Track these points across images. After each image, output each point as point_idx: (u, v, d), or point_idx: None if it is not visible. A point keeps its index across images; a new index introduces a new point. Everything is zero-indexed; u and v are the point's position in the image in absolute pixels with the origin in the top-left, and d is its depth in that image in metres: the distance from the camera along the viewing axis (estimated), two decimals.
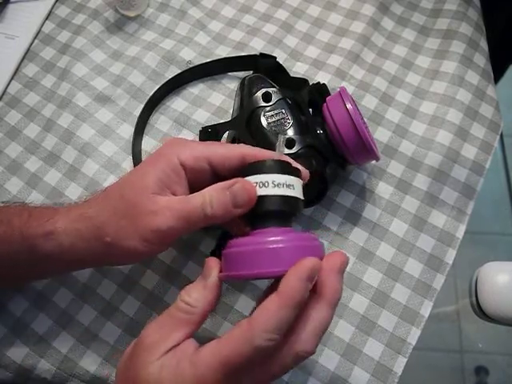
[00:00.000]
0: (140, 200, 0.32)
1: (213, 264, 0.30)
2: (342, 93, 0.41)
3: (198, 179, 0.34)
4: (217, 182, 0.33)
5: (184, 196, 0.32)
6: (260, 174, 0.30)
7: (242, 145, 0.35)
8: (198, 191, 0.33)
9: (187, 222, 0.31)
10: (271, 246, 0.28)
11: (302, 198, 0.31)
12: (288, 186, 0.30)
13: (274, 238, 0.28)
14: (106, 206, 0.33)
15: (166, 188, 0.32)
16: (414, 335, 0.41)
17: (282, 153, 0.31)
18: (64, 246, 0.33)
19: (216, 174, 0.34)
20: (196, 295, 0.29)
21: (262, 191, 0.30)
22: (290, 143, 0.39)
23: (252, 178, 0.30)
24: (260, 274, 0.28)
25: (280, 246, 0.28)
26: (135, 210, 0.32)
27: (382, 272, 0.43)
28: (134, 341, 0.30)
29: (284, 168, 0.30)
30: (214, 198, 0.31)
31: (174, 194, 0.33)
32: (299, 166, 0.33)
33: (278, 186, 0.30)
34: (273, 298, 0.26)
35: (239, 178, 0.31)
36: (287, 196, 0.30)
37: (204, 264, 0.31)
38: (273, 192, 0.30)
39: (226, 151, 0.33)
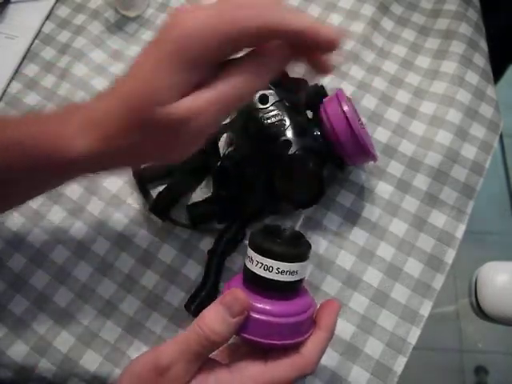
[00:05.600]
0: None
1: (244, 298, 0.29)
2: (339, 95, 0.41)
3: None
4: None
5: None
6: (266, 256, 0.30)
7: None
8: None
9: None
10: (262, 317, 0.29)
11: (304, 276, 0.32)
12: (291, 273, 0.30)
13: (264, 307, 0.30)
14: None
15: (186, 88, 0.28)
16: (413, 335, 0.41)
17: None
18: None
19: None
20: (222, 332, 0.29)
21: (264, 273, 0.30)
22: (286, 145, 0.39)
23: (257, 258, 0.30)
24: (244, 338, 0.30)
25: (265, 318, 0.29)
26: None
27: (382, 272, 0.43)
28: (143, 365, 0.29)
29: (291, 255, 0.30)
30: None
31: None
32: None
33: (281, 273, 0.30)
34: (317, 336, 0.31)
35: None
36: (288, 281, 0.30)
37: (230, 292, 0.30)
38: (276, 278, 0.30)
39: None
